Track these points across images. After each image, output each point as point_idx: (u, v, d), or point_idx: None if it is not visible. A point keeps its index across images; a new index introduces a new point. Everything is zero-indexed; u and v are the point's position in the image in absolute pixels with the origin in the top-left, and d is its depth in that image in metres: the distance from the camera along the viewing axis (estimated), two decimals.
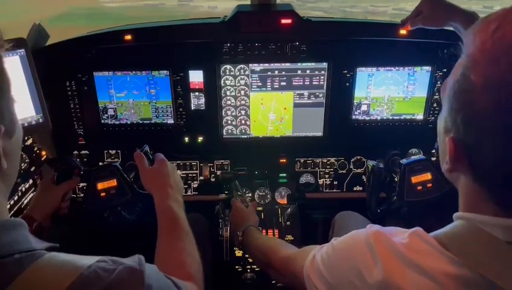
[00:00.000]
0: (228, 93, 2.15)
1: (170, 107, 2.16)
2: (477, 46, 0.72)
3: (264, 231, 2.06)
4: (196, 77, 2.11)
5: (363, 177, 2.34)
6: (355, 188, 2.37)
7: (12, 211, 1.81)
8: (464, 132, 0.76)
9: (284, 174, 2.33)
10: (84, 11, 18.68)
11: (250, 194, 2.26)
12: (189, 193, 2.34)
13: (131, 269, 0.78)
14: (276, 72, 2.10)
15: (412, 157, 1.86)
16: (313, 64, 2.09)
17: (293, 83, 2.12)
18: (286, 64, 2.09)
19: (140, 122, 2.19)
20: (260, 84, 2.13)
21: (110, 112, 2.16)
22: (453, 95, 0.77)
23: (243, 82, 2.12)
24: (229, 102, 2.17)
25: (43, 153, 2.04)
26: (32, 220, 1.57)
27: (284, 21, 1.98)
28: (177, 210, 1.38)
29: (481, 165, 0.77)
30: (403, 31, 1.98)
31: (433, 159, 2.01)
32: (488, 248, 0.75)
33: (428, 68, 2.09)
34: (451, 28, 1.77)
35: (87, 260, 0.75)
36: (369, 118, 2.20)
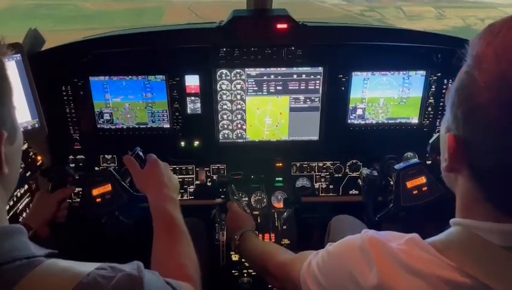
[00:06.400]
0: (224, 97, 2.15)
1: (166, 112, 2.16)
2: (481, 46, 0.73)
3: (260, 235, 2.06)
4: (192, 81, 2.11)
5: (359, 181, 2.35)
6: (351, 192, 2.37)
7: (8, 217, 1.79)
8: (464, 127, 0.76)
9: (280, 178, 2.33)
10: (32, 1, 15.97)
11: (246, 198, 2.26)
12: (185, 197, 2.33)
13: (131, 276, 0.78)
14: (272, 76, 2.11)
15: (407, 161, 1.88)
16: (308, 68, 2.10)
17: (289, 88, 2.13)
18: (282, 68, 2.10)
19: (137, 126, 2.19)
20: (256, 88, 2.13)
21: (106, 116, 2.16)
22: (455, 92, 0.78)
23: (239, 86, 2.13)
24: (225, 106, 2.17)
25: (39, 158, 2.02)
26: (28, 228, 1.56)
27: (279, 26, 1.99)
28: (172, 211, 1.37)
29: (480, 164, 0.76)
30: None
31: (428, 162, 2.03)
32: (484, 253, 0.76)
33: (423, 72, 2.11)
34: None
35: (86, 267, 0.75)
36: (364, 122, 2.22)
